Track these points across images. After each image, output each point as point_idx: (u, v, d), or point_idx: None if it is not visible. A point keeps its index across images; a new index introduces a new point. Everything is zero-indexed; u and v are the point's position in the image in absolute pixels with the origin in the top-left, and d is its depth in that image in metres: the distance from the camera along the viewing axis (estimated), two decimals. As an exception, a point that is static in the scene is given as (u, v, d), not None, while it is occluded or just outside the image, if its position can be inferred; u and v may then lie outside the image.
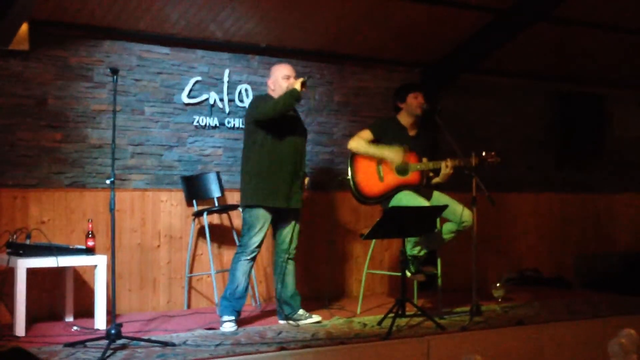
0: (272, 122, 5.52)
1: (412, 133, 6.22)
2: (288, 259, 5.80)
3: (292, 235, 5.76)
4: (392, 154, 5.99)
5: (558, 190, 9.11)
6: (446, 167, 5.97)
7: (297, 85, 5.56)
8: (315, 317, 5.79)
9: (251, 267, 5.65)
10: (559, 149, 9.19)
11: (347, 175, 6.07)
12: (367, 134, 6.13)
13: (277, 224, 5.78)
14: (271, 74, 5.84)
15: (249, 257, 5.59)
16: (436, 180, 6.15)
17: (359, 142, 6.08)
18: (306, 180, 5.83)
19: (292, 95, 5.53)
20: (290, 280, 5.80)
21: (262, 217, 5.59)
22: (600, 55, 8.66)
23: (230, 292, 5.56)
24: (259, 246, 5.63)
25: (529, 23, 7.53)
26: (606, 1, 7.54)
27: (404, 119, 6.23)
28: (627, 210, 9.66)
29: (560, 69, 8.84)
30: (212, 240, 6.62)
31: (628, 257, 9.28)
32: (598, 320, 5.94)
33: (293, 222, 5.77)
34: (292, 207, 5.70)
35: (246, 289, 5.61)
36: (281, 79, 5.71)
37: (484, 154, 5.97)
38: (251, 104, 5.80)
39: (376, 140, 6.11)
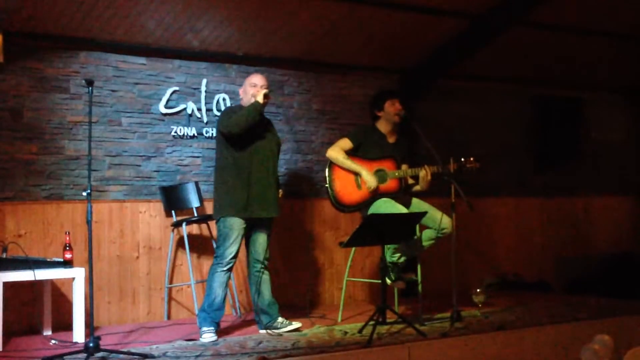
0: (239, 136, 5.52)
1: (391, 140, 6.23)
2: (262, 268, 5.76)
3: (265, 245, 5.75)
4: (370, 177, 5.97)
5: (537, 194, 9.16)
6: (425, 174, 5.96)
7: (259, 98, 5.56)
8: (295, 324, 5.75)
9: (228, 278, 5.62)
10: (537, 153, 9.23)
11: (326, 183, 6.06)
12: (346, 142, 6.12)
13: (250, 234, 5.76)
14: (244, 83, 5.84)
15: (225, 268, 5.56)
16: (417, 188, 6.14)
17: (338, 153, 6.06)
18: (280, 192, 5.84)
19: (254, 108, 5.54)
20: (266, 289, 5.77)
21: (237, 227, 5.57)
22: (577, 59, 8.72)
23: (208, 304, 5.53)
24: (235, 256, 5.61)
25: (505, 28, 7.56)
26: (581, 5, 7.58)
27: (383, 126, 6.22)
28: (606, 212, 9.73)
29: (537, 73, 8.89)
30: (191, 250, 6.59)
31: (608, 259, 9.36)
32: (579, 324, 5.95)
33: (266, 232, 5.76)
34: (268, 217, 5.70)
35: (224, 300, 5.57)
36: (249, 87, 5.71)
37: (462, 159, 5.98)
38: (220, 117, 5.79)
39: (355, 149, 6.11)
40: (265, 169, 5.64)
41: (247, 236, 5.77)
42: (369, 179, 5.96)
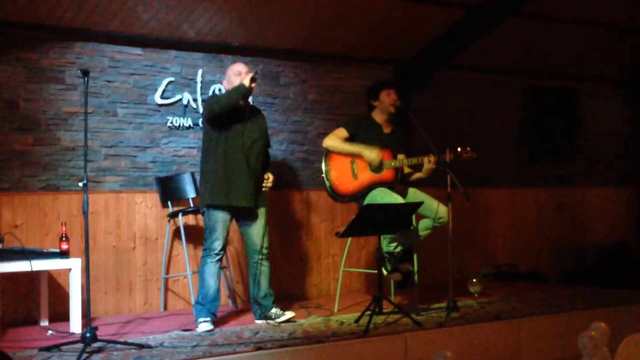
0: (220, 118, 5.47)
1: (386, 130, 6.23)
2: (261, 259, 5.74)
3: (261, 235, 5.72)
4: (370, 152, 5.97)
5: (533, 184, 9.17)
6: (429, 162, 5.95)
7: (246, 81, 5.49)
8: (289, 314, 5.73)
9: (219, 268, 5.61)
10: (533, 144, 9.23)
11: (322, 172, 6.07)
12: (342, 132, 6.12)
13: (243, 224, 5.74)
14: (225, 74, 5.82)
15: (215, 259, 5.55)
16: (419, 175, 6.13)
17: (334, 141, 6.07)
18: (271, 178, 5.77)
19: (237, 90, 5.48)
20: (263, 280, 5.74)
21: (221, 219, 5.55)
22: (573, 50, 8.72)
23: (202, 296, 5.52)
24: (223, 248, 5.59)
25: (502, 19, 7.55)
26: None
27: (378, 116, 6.23)
28: (601, 203, 9.75)
29: (533, 64, 8.89)
30: (187, 241, 6.59)
31: (603, 250, 9.39)
32: (574, 314, 5.98)
33: (261, 221, 5.71)
34: (253, 206, 5.63)
35: (218, 290, 5.56)
36: (233, 76, 5.67)
37: (459, 149, 5.98)
38: (204, 103, 5.75)
39: (351, 138, 6.11)
40: (244, 156, 5.54)
41: (241, 227, 5.75)
42: (371, 156, 5.95)
